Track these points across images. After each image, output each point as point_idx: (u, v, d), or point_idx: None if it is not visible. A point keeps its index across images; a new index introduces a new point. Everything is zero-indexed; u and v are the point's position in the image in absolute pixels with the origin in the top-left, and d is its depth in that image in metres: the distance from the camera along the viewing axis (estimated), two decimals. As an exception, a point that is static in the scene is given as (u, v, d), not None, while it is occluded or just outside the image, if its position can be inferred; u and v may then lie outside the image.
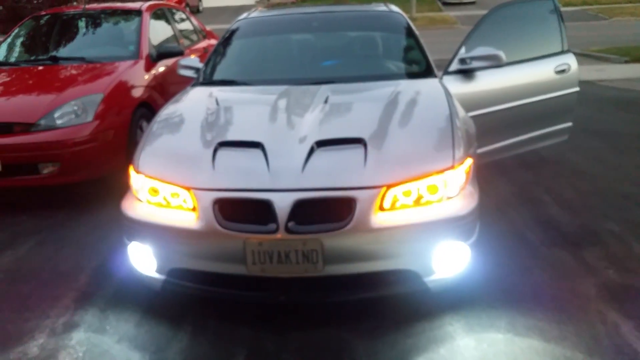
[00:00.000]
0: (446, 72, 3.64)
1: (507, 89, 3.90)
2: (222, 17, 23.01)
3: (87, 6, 5.40)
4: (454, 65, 3.66)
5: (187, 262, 2.35)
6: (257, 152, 2.37)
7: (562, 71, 4.10)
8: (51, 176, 3.80)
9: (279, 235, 2.16)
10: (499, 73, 3.81)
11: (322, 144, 2.38)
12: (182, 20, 6.23)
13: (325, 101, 2.81)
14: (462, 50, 3.74)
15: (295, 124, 2.59)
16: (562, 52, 4.17)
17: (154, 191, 2.43)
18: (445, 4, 27.94)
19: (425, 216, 2.26)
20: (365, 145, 2.35)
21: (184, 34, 6.05)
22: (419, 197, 2.29)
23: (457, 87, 3.54)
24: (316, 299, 2.40)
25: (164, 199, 2.40)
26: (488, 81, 3.80)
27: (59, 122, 3.80)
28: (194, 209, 2.30)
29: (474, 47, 3.71)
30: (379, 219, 2.20)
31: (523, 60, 3.99)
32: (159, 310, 2.53)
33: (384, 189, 2.22)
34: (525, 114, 4.00)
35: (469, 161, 2.46)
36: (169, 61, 5.03)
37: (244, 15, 4.21)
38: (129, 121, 4.21)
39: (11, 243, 3.44)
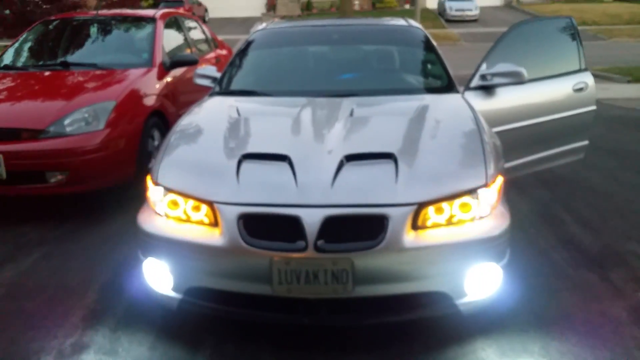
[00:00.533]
0: (468, 88, 3.59)
1: (526, 106, 3.84)
2: (227, 27, 23.09)
3: (99, 12, 5.32)
4: (476, 81, 3.60)
5: (206, 281, 2.25)
6: (283, 166, 2.29)
7: (580, 89, 4.05)
8: (59, 185, 3.69)
9: (308, 254, 2.07)
10: (518, 90, 3.75)
11: (351, 158, 2.30)
12: (195, 29, 6.16)
13: (351, 114, 2.74)
14: (484, 66, 3.69)
15: (321, 137, 2.51)
16: (580, 71, 4.12)
17: (174, 204, 2.33)
18: (448, 21, 28.13)
19: (459, 236, 2.18)
20: (395, 160, 2.27)
21: (196, 42, 5.99)
22: (451, 216, 2.21)
23: (477, 103, 3.48)
24: (345, 322, 2.29)
25: (184, 212, 2.30)
26: (507, 98, 3.74)
27: (68, 129, 3.70)
28: (216, 224, 2.20)
29: (495, 63, 3.66)
30: (411, 238, 2.12)
31: (542, 77, 3.94)
32: (175, 332, 2.42)
33: (417, 206, 2.14)
34: (544, 131, 3.94)
35: (500, 179, 2.38)
36: (182, 70, 4.96)
37: (262, 26, 4.15)
38: (140, 130, 4.12)
39: (14, 256, 3.30)
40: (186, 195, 2.29)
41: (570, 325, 2.40)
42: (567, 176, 4.62)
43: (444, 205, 2.19)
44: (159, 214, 2.38)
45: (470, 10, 28.38)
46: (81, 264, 3.17)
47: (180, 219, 2.31)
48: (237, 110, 2.92)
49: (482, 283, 2.23)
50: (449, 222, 2.20)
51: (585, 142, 4.26)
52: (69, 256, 3.27)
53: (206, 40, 6.45)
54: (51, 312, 2.64)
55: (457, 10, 28.29)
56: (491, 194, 2.27)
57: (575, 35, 4.13)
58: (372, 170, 2.27)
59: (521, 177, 4.09)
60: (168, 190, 2.34)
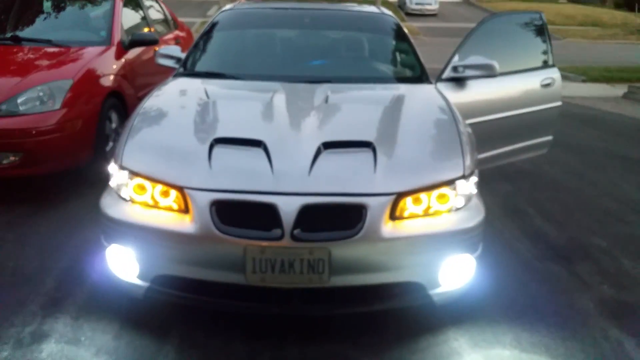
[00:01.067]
0: (439, 79, 3.57)
1: (495, 100, 3.87)
2: (183, 10, 22.42)
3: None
4: (448, 73, 3.60)
5: (175, 269, 2.14)
6: (258, 152, 2.20)
7: (548, 85, 4.12)
8: (11, 167, 3.46)
9: (284, 243, 1.99)
10: (488, 83, 3.77)
11: (329, 145, 2.23)
12: (154, 8, 5.91)
13: (326, 101, 2.67)
14: (456, 58, 3.68)
15: (297, 123, 2.44)
16: (548, 66, 4.19)
17: (141, 189, 2.21)
18: (408, 14, 28.36)
19: (435, 227, 2.16)
20: (374, 149, 2.22)
21: (155, 22, 5.74)
22: (428, 207, 2.18)
23: (448, 94, 3.46)
24: (317, 312, 2.24)
25: (152, 197, 2.18)
26: (477, 91, 3.75)
27: (22, 108, 3.47)
28: (186, 211, 2.10)
29: (467, 56, 3.66)
30: (389, 228, 2.07)
31: (511, 72, 3.98)
32: (141, 321, 2.30)
33: (395, 196, 2.10)
34: (510, 125, 3.99)
35: (476, 171, 2.37)
36: (141, 49, 4.75)
37: (229, 6, 4.00)
38: (98, 111, 3.91)
39: (-37, 241, 3.09)
40: (154, 180, 2.17)
41: (540, 317, 2.43)
42: (529, 170, 4.71)
43: (422, 196, 2.16)
44: (124, 199, 2.24)
45: (430, 4, 28.69)
46: (37, 250, 2.98)
47: (147, 204, 2.19)
48: (206, 93, 2.79)
49: (456, 274, 2.22)
50: (426, 213, 2.17)
51: (550, 137, 4.34)
52: (23, 242, 3.08)
53: (165, 21, 6.20)
54: (6, 299, 2.47)
55: (417, 4, 28.53)
56: (468, 186, 2.26)
57: (544, 31, 4.19)
58: (350, 159, 2.21)
59: (484, 170, 4.14)
60: (134, 174, 2.21)
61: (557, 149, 5.21)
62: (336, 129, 2.43)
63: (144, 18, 5.47)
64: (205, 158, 2.17)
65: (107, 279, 2.31)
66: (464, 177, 2.23)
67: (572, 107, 8.52)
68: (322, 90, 2.81)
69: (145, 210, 2.18)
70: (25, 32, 4.51)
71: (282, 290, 2.12)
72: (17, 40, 4.29)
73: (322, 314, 2.31)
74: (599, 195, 4.21)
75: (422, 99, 2.91)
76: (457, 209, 2.23)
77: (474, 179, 2.31)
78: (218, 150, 2.21)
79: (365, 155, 2.21)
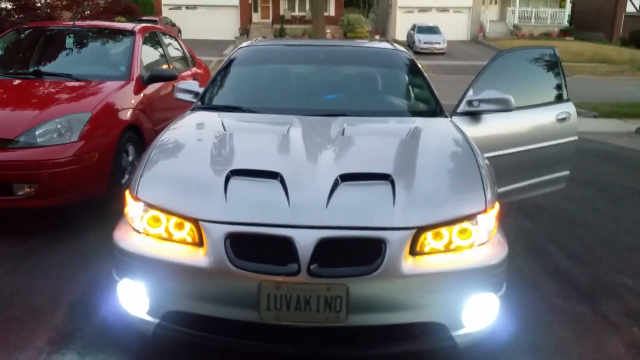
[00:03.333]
0: (454, 113, 3.56)
1: (510, 134, 3.84)
2: (201, 49, 22.97)
3: (76, 22, 5.13)
4: (462, 107, 3.58)
5: (186, 305, 2.08)
6: (275, 184, 2.16)
7: (563, 119, 4.09)
8: (26, 198, 3.46)
9: (300, 278, 1.93)
10: (504, 118, 3.75)
11: (346, 177, 2.19)
12: (173, 45, 6.02)
13: (342, 133, 2.65)
14: (470, 92, 3.67)
15: (313, 155, 2.41)
16: (563, 101, 4.16)
17: (155, 221, 2.17)
18: (417, 53, 28.74)
19: (458, 263, 2.09)
20: (392, 182, 2.18)
21: (174, 59, 5.84)
22: (450, 242, 2.12)
23: (463, 129, 3.45)
24: (335, 353, 2.14)
25: (166, 230, 2.15)
26: (493, 125, 3.73)
27: (40, 140, 3.49)
28: (200, 244, 2.05)
29: (481, 90, 3.65)
30: (409, 264, 2.01)
31: (526, 106, 3.95)
32: (150, 359, 2.23)
33: (415, 230, 2.04)
34: (527, 160, 3.94)
35: (497, 205, 2.32)
36: (160, 85, 4.81)
37: (246, 43, 4.05)
38: (115, 144, 3.93)
39: (-26, 272, 3.05)
40: (169, 212, 2.13)
41: (568, 360, 2.32)
42: (546, 206, 4.63)
43: (443, 230, 2.10)
44: (137, 231, 2.21)
45: (439, 43, 29.08)
46: (48, 282, 2.95)
47: (160, 236, 2.15)
48: (223, 125, 2.79)
49: (480, 314, 2.14)
50: (447, 249, 2.11)
51: (567, 172, 4.28)
52: (34, 274, 3.04)
53: (184, 58, 6.31)
54: (13, 334, 2.42)
55: (425, 42, 28.93)
56: (490, 220, 2.20)
57: (558, 65, 4.18)
58: (369, 192, 2.16)
59: (501, 205, 4.06)
60: (149, 206, 2.18)
61: (573, 185, 5.13)
62: (353, 161, 2.40)
63: (164, 55, 5.57)
64: (221, 190, 2.14)
65: (117, 315, 2.26)
66: (485, 211, 2.18)
67: (586, 142, 8.46)
68: (338, 123, 2.80)
69: (159, 243, 2.14)
70: (47, 67, 4.61)
71: (298, 330, 2.05)
72: (39, 75, 4.37)
73: (339, 356, 2.21)
74: (620, 231, 4.11)
75: (439, 132, 2.88)
76: (480, 245, 2.16)
77: (496, 213, 2.25)
78: (234, 182, 2.19)
79: (383, 188, 2.17)
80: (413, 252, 2.04)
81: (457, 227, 2.12)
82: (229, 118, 2.99)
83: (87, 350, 2.30)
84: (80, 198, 3.71)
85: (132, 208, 2.24)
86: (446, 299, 2.07)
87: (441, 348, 2.15)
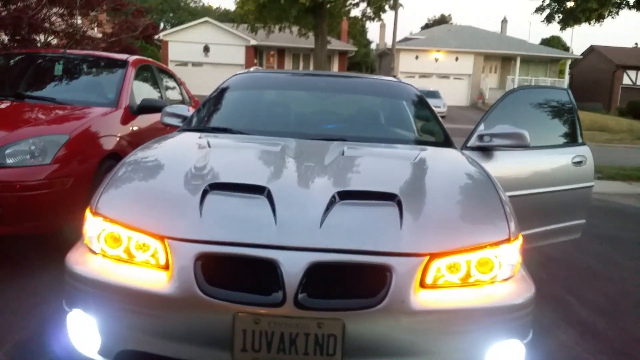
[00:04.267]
0: (465, 147, 3.27)
1: (524, 175, 3.54)
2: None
3: (67, 50, 4.95)
4: (473, 141, 3.29)
5: (143, 343, 1.69)
6: (260, 200, 1.82)
7: (579, 162, 3.80)
8: (-13, 224, 3.10)
9: (285, 310, 1.56)
10: (517, 156, 3.47)
11: (345, 195, 1.85)
12: (170, 82, 5.84)
13: (342, 153, 2.33)
14: (481, 127, 3.40)
15: (307, 172, 2.08)
16: (578, 144, 3.90)
17: (114, 240, 1.81)
18: (417, 117, 29.02)
19: (477, 301, 1.72)
20: (399, 203, 1.84)
21: (170, 96, 5.63)
22: (468, 275, 1.76)
23: (475, 164, 3.16)
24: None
25: (126, 250, 1.78)
26: (505, 164, 3.43)
27: (9, 160, 3.17)
28: (166, 267, 1.69)
29: (492, 126, 3.38)
30: (419, 298, 1.64)
31: (540, 146, 3.68)
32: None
33: (427, 257, 1.68)
34: (542, 204, 3.62)
35: (521, 238, 1.96)
36: (152, 116, 4.55)
37: (243, 71, 3.83)
38: (93, 172, 3.61)
39: None
40: (131, 228, 1.78)
41: None
42: (560, 257, 4.26)
43: (460, 260, 1.74)
44: (94, 252, 1.85)
45: (439, 107, 29.36)
46: (-4, 318, 2.54)
47: (120, 258, 1.79)
48: (208, 143, 2.47)
49: (503, 365, 1.74)
50: (465, 283, 1.75)
51: (583, 221, 3.95)
52: (-19, 310, 2.64)
53: (180, 95, 6.11)
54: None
55: (426, 107, 29.28)
56: (514, 252, 1.85)
57: (572, 106, 3.94)
58: (371, 212, 1.82)
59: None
60: (108, 220, 1.83)
61: (585, 238, 4.78)
62: (354, 179, 2.08)
63: (158, 89, 5.36)
64: (196, 205, 1.79)
65: (66, 353, 1.85)
66: (509, 240, 1.83)
67: (593, 201, 8.15)
68: (337, 145, 2.49)
69: (116, 266, 1.77)
70: (30, 91, 4.36)
71: (281, 376, 1.65)
72: (20, 97, 4.11)
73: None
74: (643, 285, 3.73)
75: (451, 160, 2.58)
76: (503, 280, 1.80)
77: (520, 245, 1.90)
78: (212, 197, 1.84)
79: (388, 209, 1.82)
80: (424, 284, 1.68)
81: (476, 257, 1.77)
82: (215, 138, 2.67)
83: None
84: (49, 228, 3.34)
85: (90, 225, 1.89)
86: (464, 344, 1.68)
87: (457, 406, 1.73)
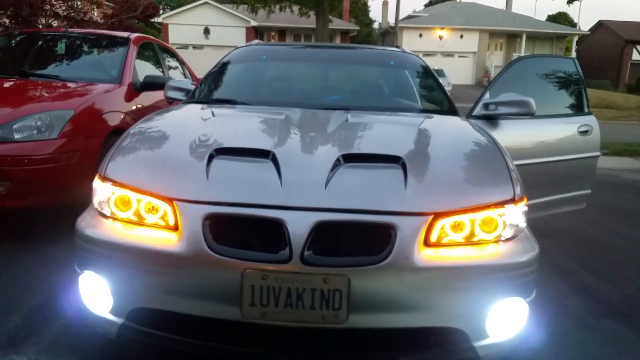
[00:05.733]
0: (470, 116, 3.26)
1: (530, 144, 3.54)
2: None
3: (69, 29, 4.95)
4: (478, 110, 3.29)
5: (154, 300, 1.72)
6: (266, 163, 1.84)
7: (585, 132, 3.79)
8: (-4, 198, 3.14)
9: (291, 267, 1.59)
10: (523, 125, 3.46)
11: (349, 158, 1.87)
12: (172, 60, 5.83)
13: (346, 121, 2.35)
14: (487, 95, 3.39)
15: (312, 137, 2.10)
16: (584, 113, 3.88)
17: (124, 204, 1.84)
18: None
19: (481, 258, 1.74)
20: (404, 165, 1.86)
21: (172, 75, 5.62)
22: (472, 234, 1.78)
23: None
24: (331, 362, 1.77)
25: (136, 213, 1.81)
26: (511, 132, 3.42)
27: (17, 135, 3.21)
28: (175, 228, 1.72)
29: (498, 94, 3.37)
30: (423, 255, 1.67)
31: (546, 115, 3.66)
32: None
33: (431, 217, 1.71)
34: (547, 173, 3.62)
35: (525, 201, 1.98)
36: (155, 93, 4.56)
37: (244, 44, 3.82)
38: (99, 147, 3.64)
39: None
40: (140, 191, 1.81)
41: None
42: (566, 228, 4.28)
43: (464, 220, 1.76)
44: (104, 216, 1.88)
45: (444, 85, 29.24)
46: (9, 285, 2.60)
47: (130, 221, 1.82)
48: (212, 113, 2.48)
49: (506, 322, 1.77)
50: (469, 241, 1.77)
51: (589, 191, 3.95)
52: (-5, 280, 2.69)
53: (183, 75, 6.11)
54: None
55: (430, 85, 29.13)
56: (519, 214, 1.86)
57: (579, 76, 3.92)
58: (375, 174, 1.84)
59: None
60: (118, 185, 1.86)
61: (591, 209, 4.79)
62: (358, 143, 2.10)
63: (160, 66, 5.36)
64: (202, 168, 1.82)
65: (79, 314, 1.90)
66: (514, 201, 1.84)
67: (599, 175, 8.13)
68: (341, 113, 2.50)
69: (127, 229, 1.81)
70: (35, 68, 4.37)
71: (289, 332, 1.69)
72: (25, 75, 4.13)
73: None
74: (649, 254, 3.75)
75: (456, 126, 2.58)
76: (507, 240, 1.82)
77: (525, 209, 1.91)
78: (218, 161, 1.87)
79: (393, 171, 1.84)
80: (428, 243, 1.70)
81: (480, 217, 1.79)
82: (220, 108, 2.69)
83: (40, 357, 1.93)
84: (57, 201, 3.38)
85: (99, 190, 1.92)
86: (467, 300, 1.71)
87: (460, 360, 1.77)
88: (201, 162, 1.86)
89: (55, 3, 8.37)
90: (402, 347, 1.72)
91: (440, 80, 3.16)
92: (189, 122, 2.36)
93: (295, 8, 23.87)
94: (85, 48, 4.77)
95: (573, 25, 42.40)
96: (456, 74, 32.31)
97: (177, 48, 30.88)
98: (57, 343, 2.03)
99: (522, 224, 1.88)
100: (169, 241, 1.70)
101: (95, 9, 10.43)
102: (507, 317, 1.77)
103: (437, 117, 2.71)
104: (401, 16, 25.54)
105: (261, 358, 1.72)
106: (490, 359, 1.78)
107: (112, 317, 1.79)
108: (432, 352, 1.74)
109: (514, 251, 1.81)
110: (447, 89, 24.67)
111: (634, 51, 37.25)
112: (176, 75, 5.85)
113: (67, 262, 2.83)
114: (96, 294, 1.81)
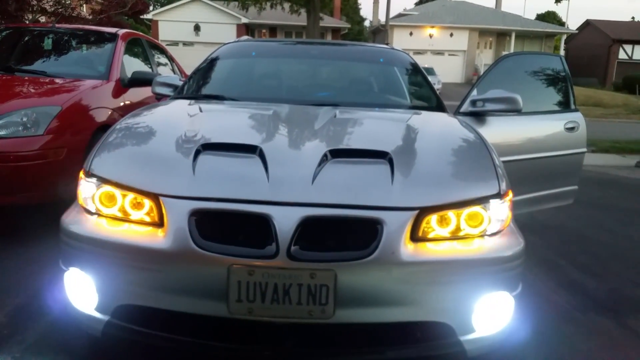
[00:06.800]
0: (457, 113, 3.28)
1: (517, 140, 3.56)
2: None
3: (56, 25, 4.89)
4: (466, 107, 3.30)
5: (140, 297, 1.71)
6: (252, 158, 1.84)
7: (572, 129, 3.82)
8: (-19, 195, 3.11)
9: (278, 262, 1.59)
10: (509, 122, 3.48)
11: (336, 154, 1.87)
12: (161, 56, 5.79)
13: (334, 117, 2.35)
14: (474, 92, 3.41)
15: (300, 132, 2.10)
16: (571, 110, 3.91)
17: (109, 199, 1.83)
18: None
19: (466, 252, 1.75)
20: (390, 160, 1.86)
21: (161, 72, 5.58)
22: (457, 229, 1.79)
23: (467, 130, 3.17)
24: (318, 357, 1.77)
25: (121, 209, 1.80)
26: (498, 129, 3.44)
27: (2, 132, 3.17)
28: (161, 224, 1.71)
29: (485, 91, 3.39)
30: (409, 250, 1.67)
31: (533, 112, 3.69)
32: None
33: (417, 212, 1.71)
34: (534, 169, 3.64)
35: (511, 195, 1.99)
36: (144, 90, 4.53)
37: (233, 40, 3.80)
38: (87, 143, 3.60)
39: None
40: (125, 187, 1.80)
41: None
42: (553, 224, 4.32)
43: (450, 214, 1.77)
44: (89, 212, 1.87)
45: (434, 84, 29.30)
46: (-7, 286, 2.57)
47: (115, 217, 1.81)
48: (199, 108, 2.47)
49: (492, 316, 1.79)
50: (455, 236, 1.78)
51: (575, 187, 3.99)
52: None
53: (172, 71, 6.06)
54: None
55: (421, 83, 29.21)
56: (504, 208, 1.87)
57: (565, 73, 3.95)
58: (362, 169, 1.84)
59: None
60: (102, 181, 1.84)
61: (578, 206, 4.84)
62: (345, 138, 2.10)
63: (148, 62, 5.32)
64: (189, 164, 1.81)
65: (64, 312, 1.89)
66: (499, 195, 1.85)
67: (586, 172, 8.22)
68: (329, 109, 2.50)
69: (112, 225, 1.79)
70: (21, 64, 4.33)
71: (275, 328, 1.69)
72: (10, 70, 4.08)
73: None
74: (634, 248, 3.79)
75: (444, 122, 2.59)
76: (492, 234, 1.83)
77: (510, 203, 1.93)
78: (205, 156, 1.86)
79: (380, 166, 1.85)
80: (414, 237, 1.71)
81: (466, 212, 1.80)
82: (207, 104, 2.68)
83: (25, 355, 1.91)
84: (43, 198, 3.35)
85: (84, 186, 1.90)
86: (454, 295, 1.72)
87: (446, 355, 1.78)
88: (188, 157, 1.85)
89: (42, -1, 8.31)
90: (389, 341, 1.72)
91: (430, 78, 3.19)
92: (176, 117, 2.35)
93: (287, 5, 23.80)
94: (73, 44, 4.72)
95: (562, 24, 42.73)
96: (446, 72, 32.41)
97: (167, 45, 30.72)
98: (42, 341, 2.01)
99: (508, 217, 1.89)
100: (154, 237, 1.69)
101: (84, 5, 10.34)
102: (494, 311, 1.78)
103: (424, 114, 2.71)
104: (392, 14, 25.56)
105: (248, 354, 1.72)
106: (476, 352, 1.80)
107: (97, 315, 1.77)
108: (419, 346, 1.75)
109: (500, 245, 1.82)
110: (437, 87, 24.67)
111: (621, 50, 37.63)
112: (165, 72, 5.81)
113: (52, 259, 2.81)
114: (81, 291, 1.80)
